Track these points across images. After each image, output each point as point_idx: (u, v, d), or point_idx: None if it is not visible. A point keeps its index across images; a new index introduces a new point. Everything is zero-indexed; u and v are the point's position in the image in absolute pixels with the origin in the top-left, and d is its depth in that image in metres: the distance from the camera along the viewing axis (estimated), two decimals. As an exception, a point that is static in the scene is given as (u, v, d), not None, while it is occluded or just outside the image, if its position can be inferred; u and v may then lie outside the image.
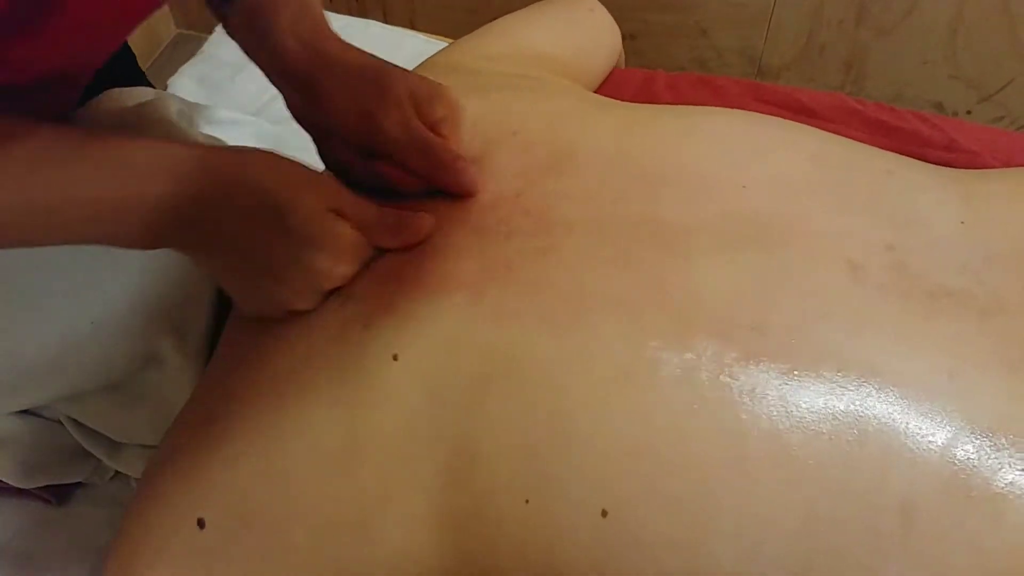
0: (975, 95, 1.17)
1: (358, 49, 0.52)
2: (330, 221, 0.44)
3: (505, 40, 0.65)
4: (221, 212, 0.43)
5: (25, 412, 0.59)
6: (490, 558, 0.39)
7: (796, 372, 0.39)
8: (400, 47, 0.92)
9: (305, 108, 0.52)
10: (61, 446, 0.61)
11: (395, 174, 0.49)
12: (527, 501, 0.38)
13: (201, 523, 0.41)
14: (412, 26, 1.11)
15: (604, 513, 0.37)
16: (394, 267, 0.45)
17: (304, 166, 0.46)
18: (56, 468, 0.61)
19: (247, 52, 0.53)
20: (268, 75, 0.53)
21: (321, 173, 0.47)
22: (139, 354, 0.55)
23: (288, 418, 0.41)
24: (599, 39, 0.74)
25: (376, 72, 0.50)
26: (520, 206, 0.46)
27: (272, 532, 0.40)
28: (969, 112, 1.18)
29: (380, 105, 0.48)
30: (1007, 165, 0.64)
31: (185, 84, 0.94)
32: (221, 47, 0.96)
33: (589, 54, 0.71)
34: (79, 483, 0.64)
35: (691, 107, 0.55)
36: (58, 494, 0.63)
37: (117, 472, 0.63)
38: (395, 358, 0.41)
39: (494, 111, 0.52)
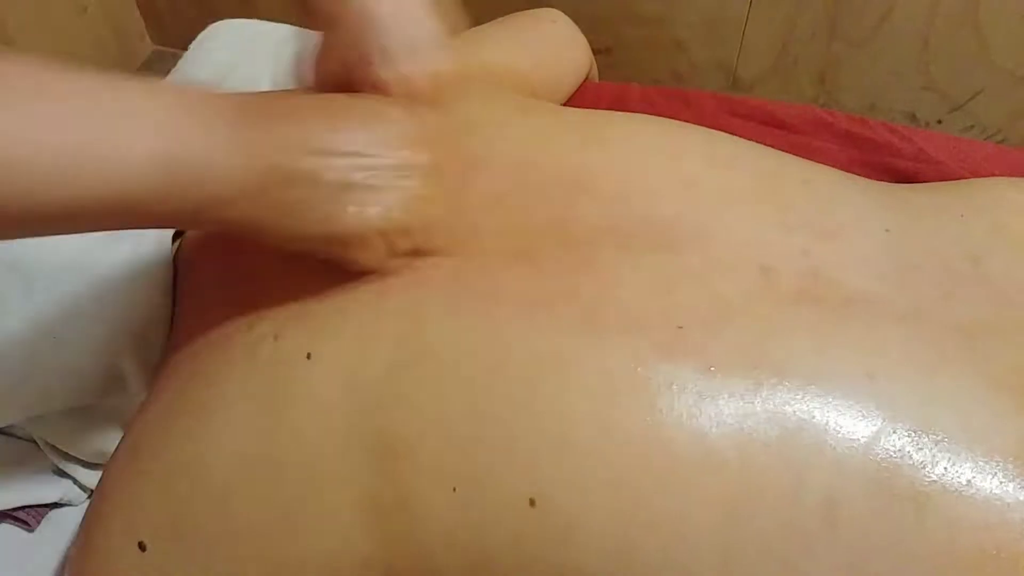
0: (946, 105, 1.18)
1: None
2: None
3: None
4: None
5: (-4, 432, 0.59)
6: (422, 548, 0.39)
7: (712, 368, 0.39)
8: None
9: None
10: (35, 466, 0.60)
11: None
12: (454, 489, 0.38)
13: (142, 546, 0.42)
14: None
15: (532, 502, 0.37)
16: (298, 284, 0.45)
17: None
18: (30, 488, 0.60)
19: None
20: None
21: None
22: (102, 372, 0.55)
23: (211, 433, 0.42)
24: (560, 51, 0.74)
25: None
26: None
27: (209, 545, 0.41)
28: (940, 122, 1.20)
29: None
30: (974, 174, 0.65)
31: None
32: (197, 64, 0.96)
33: (549, 66, 0.71)
34: (54, 504, 0.63)
35: (604, 112, 0.54)
36: (33, 515, 0.63)
37: (92, 492, 0.63)
38: (308, 357, 0.42)
39: None
